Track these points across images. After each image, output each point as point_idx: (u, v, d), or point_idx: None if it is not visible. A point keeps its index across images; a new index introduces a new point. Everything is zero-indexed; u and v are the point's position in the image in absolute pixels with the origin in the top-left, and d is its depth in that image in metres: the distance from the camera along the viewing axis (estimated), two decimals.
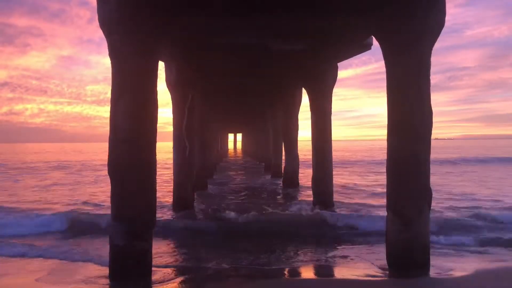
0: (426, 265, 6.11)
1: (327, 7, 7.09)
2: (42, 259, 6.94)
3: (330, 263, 6.65)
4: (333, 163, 11.69)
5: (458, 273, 5.98)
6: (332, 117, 11.68)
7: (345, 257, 6.97)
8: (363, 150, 78.26)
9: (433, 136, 6.23)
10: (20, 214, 10.89)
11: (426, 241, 6.25)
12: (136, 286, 5.48)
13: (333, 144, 11.77)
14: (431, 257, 6.12)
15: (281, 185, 17.64)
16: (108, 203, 5.82)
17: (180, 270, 6.36)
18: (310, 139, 12.00)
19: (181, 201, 11.25)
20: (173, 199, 11.46)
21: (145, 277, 5.73)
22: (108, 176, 5.79)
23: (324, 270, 6.40)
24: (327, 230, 9.00)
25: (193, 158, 11.67)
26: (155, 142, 6.00)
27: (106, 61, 5.88)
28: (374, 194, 15.05)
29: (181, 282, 5.80)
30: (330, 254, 7.17)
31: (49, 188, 19.08)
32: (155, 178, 6.07)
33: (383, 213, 6.21)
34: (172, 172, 11.72)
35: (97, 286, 5.62)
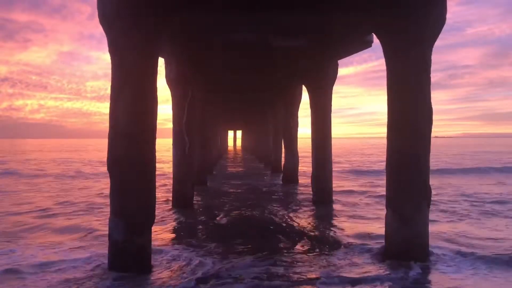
0: (425, 263, 6.13)
1: (328, 4, 7.08)
2: None
3: None
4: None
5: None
6: (332, 115, 11.68)
7: None
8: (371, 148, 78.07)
9: (433, 134, 6.23)
10: None
11: (425, 239, 6.27)
12: (134, 281, 5.48)
13: (334, 142, 11.78)
14: None
15: (281, 181, 17.66)
16: None
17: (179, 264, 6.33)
18: (310, 136, 12.01)
19: (180, 198, 11.25)
20: (173, 196, 11.47)
21: (144, 272, 5.75)
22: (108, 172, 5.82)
23: None
24: None
25: (193, 155, 11.67)
26: (154, 138, 6.01)
27: (107, 57, 5.88)
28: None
29: (179, 275, 5.78)
30: None
31: None
32: (155, 174, 6.08)
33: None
34: (171, 169, 11.71)
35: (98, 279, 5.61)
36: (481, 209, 11.60)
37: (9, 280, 5.61)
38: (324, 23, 8.50)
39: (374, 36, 8.35)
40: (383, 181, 7.14)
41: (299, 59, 11.56)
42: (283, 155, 19.52)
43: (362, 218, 10.02)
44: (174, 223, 9.47)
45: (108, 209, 6.03)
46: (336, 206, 11.53)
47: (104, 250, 6.17)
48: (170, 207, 11.22)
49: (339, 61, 11.52)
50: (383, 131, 6.66)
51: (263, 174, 22.15)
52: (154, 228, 6.23)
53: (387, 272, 5.81)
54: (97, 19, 5.77)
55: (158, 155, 6.40)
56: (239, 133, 75.17)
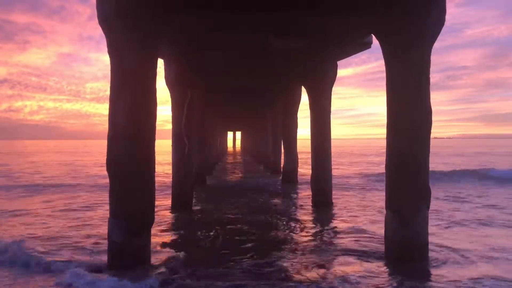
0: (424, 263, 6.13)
1: (328, 5, 7.08)
2: None
3: None
4: None
5: None
6: (332, 116, 11.68)
7: None
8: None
9: (432, 135, 6.22)
10: None
11: (425, 239, 6.27)
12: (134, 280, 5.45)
13: (333, 143, 11.77)
14: None
15: (280, 183, 17.63)
16: None
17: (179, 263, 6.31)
18: (309, 137, 12.00)
19: (179, 200, 11.19)
20: (172, 198, 11.41)
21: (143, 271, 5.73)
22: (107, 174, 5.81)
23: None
24: None
25: (192, 156, 11.64)
26: (154, 139, 6.01)
27: (106, 59, 5.88)
28: None
29: (179, 276, 5.76)
30: None
31: None
32: (154, 175, 6.08)
33: None
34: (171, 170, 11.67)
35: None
36: None
37: None
38: (324, 24, 8.50)
39: (374, 37, 8.36)
40: (382, 183, 7.11)
41: (299, 60, 11.56)
42: (282, 156, 19.48)
43: (362, 220, 9.99)
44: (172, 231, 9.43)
45: None
46: (335, 208, 11.51)
47: None
48: (168, 210, 11.14)
49: (338, 62, 11.53)
50: (382, 132, 6.66)
51: (262, 175, 22.10)
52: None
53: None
54: (96, 20, 5.77)
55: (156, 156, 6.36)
56: (238, 134, 75.20)
